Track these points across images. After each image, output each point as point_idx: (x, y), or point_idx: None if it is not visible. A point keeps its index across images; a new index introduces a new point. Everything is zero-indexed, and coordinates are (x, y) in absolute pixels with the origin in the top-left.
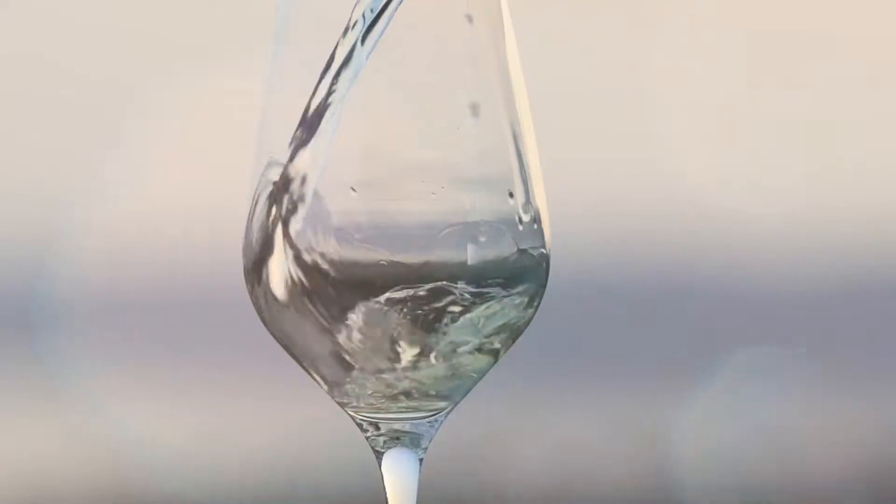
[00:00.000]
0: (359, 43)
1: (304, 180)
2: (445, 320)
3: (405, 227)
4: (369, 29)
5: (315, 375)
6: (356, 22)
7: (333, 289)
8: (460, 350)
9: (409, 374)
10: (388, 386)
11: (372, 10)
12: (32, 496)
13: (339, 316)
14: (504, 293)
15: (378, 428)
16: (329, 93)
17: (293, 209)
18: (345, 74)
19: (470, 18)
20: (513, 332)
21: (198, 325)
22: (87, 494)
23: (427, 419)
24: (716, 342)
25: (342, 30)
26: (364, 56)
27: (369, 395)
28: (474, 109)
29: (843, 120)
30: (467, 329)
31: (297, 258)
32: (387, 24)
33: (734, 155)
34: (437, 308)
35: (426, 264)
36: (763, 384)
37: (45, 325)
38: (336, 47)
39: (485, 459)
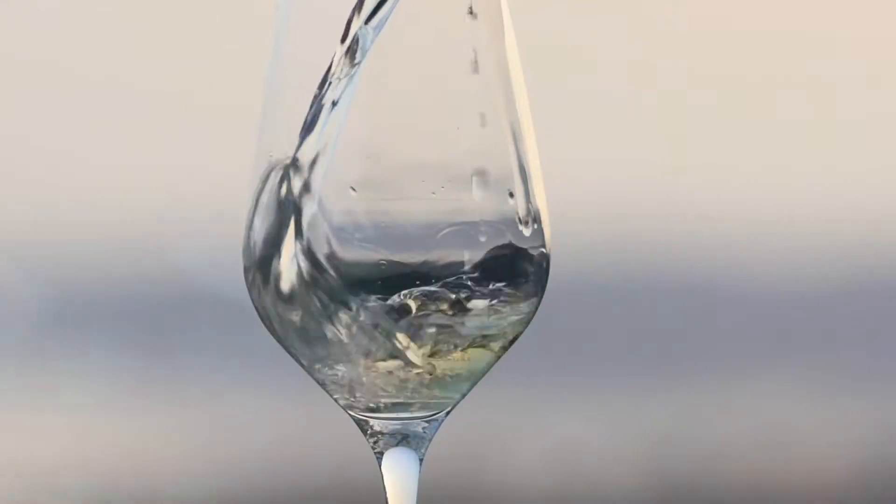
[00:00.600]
0: (362, 25)
1: (308, 178)
2: (445, 320)
3: (405, 227)
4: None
5: (314, 374)
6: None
7: (333, 288)
8: (460, 350)
9: (408, 373)
10: (388, 385)
11: None
12: (32, 495)
13: (338, 315)
14: (504, 293)
15: (378, 428)
16: (328, 88)
17: (296, 208)
18: (346, 68)
19: (470, 19)
20: (513, 333)
21: (197, 325)
22: (87, 494)
23: (426, 419)
24: (716, 342)
25: (342, 29)
26: (368, 43)
27: (369, 394)
28: (474, 110)
29: (843, 120)
30: (467, 329)
31: (297, 257)
32: (391, 8)
33: (734, 155)
34: (436, 308)
35: (426, 264)
36: (762, 384)
37: (43, 325)
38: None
39: (485, 459)
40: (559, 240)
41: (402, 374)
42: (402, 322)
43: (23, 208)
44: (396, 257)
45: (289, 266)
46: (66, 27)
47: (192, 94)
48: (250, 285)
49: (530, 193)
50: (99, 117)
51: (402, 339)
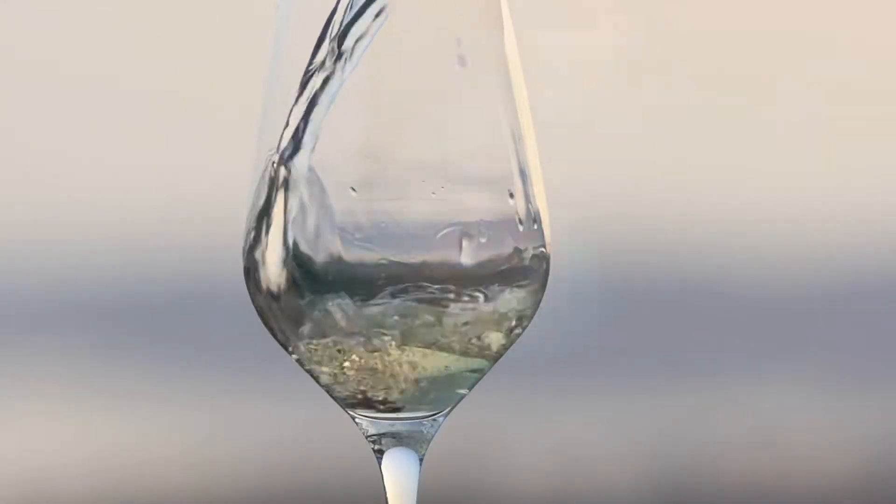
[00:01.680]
0: (347, 60)
1: (303, 177)
2: (444, 321)
3: (405, 227)
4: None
5: (314, 374)
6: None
7: (333, 289)
8: (460, 350)
9: (408, 373)
10: (389, 385)
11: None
12: (32, 495)
13: (338, 316)
14: (504, 294)
15: (378, 427)
16: (319, 88)
17: (293, 208)
18: (334, 75)
19: (469, 17)
20: (513, 333)
21: (197, 326)
22: (88, 494)
23: (426, 420)
24: (716, 342)
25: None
26: (349, 69)
27: (369, 394)
28: (474, 109)
29: (843, 120)
30: (467, 330)
31: (297, 257)
32: (368, 43)
33: (734, 155)
34: (436, 308)
35: (425, 264)
36: (762, 384)
37: (46, 326)
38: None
39: (485, 459)
40: (559, 240)
41: (403, 374)
42: (403, 322)
43: (23, 208)
44: (396, 257)
45: (289, 266)
46: (66, 27)
47: (192, 94)
48: (249, 284)
49: (530, 194)
50: (99, 117)
51: (402, 339)
